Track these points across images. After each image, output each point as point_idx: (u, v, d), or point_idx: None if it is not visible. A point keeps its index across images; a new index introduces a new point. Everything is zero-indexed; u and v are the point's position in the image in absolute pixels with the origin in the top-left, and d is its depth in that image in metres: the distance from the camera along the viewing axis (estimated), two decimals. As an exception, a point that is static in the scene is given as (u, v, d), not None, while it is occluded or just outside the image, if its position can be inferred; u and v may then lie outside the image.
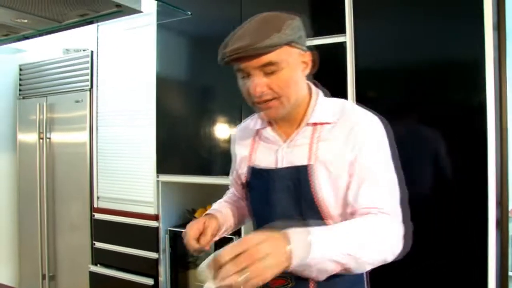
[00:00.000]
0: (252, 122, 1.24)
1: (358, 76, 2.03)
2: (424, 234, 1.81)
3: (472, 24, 1.79)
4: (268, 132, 1.18)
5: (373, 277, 1.28)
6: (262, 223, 1.20)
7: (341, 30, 2.06)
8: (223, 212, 1.34)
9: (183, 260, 2.76)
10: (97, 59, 3.02)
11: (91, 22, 1.57)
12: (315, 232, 0.85)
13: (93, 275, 2.98)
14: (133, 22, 2.77)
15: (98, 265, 3.00)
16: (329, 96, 1.20)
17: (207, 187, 2.84)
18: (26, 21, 1.44)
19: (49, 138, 3.33)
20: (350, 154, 1.06)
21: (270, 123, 1.20)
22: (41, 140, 3.36)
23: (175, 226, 2.73)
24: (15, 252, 3.64)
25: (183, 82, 2.64)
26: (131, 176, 2.84)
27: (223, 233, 1.34)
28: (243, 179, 1.24)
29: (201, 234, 1.21)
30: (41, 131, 3.36)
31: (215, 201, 2.89)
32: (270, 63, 1.00)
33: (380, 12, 2.01)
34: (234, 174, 1.33)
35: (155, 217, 2.70)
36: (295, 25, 1.04)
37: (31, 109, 3.43)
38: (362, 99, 2.01)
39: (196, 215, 2.71)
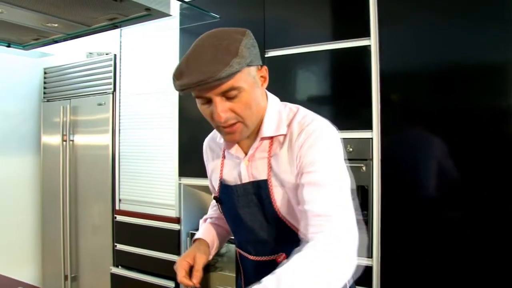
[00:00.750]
0: (219, 135, 1.19)
1: (382, 80, 2.00)
2: (456, 239, 1.78)
3: (500, 27, 1.76)
4: (228, 146, 1.18)
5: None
6: (235, 235, 1.26)
7: (366, 34, 2.04)
8: (210, 236, 1.34)
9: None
10: (120, 62, 3.05)
11: (118, 26, 1.59)
12: None
13: (114, 277, 3.01)
14: (157, 26, 2.80)
15: (120, 266, 3.03)
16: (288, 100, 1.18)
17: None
18: (56, 25, 1.46)
19: (72, 141, 3.38)
20: (296, 165, 1.04)
21: None
22: (64, 142, 3.41)
23: (197, 229, 2.73)
24: (38, 252, 3.70)
25: (206, 86, 2.64)
26: (153, 179, 2.86)
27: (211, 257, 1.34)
28: (215, 193, 1.25)
29: (192, 266, 1.21)
30: (64, 133, 3.41)
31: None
32: (231, 89, 0.97)
33: (404, 15, 1.99)
34: (210, 184, 1.34)
35: (177, 220, 2.71)
36: (249, 43, 1.00)
37: (55, 112, 3.48)
38: (386, 103, 1.99)
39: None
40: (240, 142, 1.15)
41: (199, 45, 0.99)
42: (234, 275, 2.48)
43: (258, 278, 0.89)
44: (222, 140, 1.18)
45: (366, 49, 2.04)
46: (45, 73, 3.63)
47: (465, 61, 1.85)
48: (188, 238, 2.68)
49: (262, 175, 1.10)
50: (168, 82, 2.72)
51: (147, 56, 2.89)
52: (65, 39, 1.70)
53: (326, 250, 0.91)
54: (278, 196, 1.07)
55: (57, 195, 3.44)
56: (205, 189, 2.79)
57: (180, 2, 1.85)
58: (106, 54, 3.23)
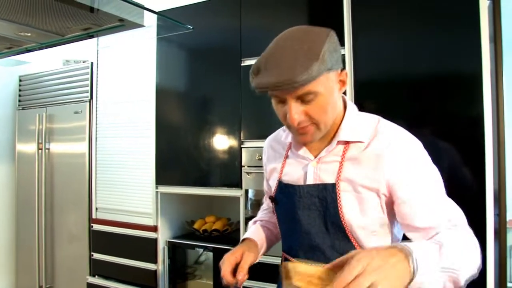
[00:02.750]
0: (284, 134, 1.22)
1: (357, 88, 2.05)
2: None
3: (469, 37, 1.82)
4: (297, 146, 1.17)
5: None
6: (287, 238, 1.22)
7: (340, 43, 2.08)
8: (259, 237, 1.32)
9: (182, 272, 2.75)
10: (97, 70, 3.03)
11: (92, 36, 1.59)
12: (421, 256, 0.80)
13: (90, 286, 2.97)
14: (134, 34, 2.80)
15: (96, 276, 2.99)
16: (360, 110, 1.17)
17: (206, 198, 2.85)
18: (29, 34, 1.46)
19: (48, 149, 3.33)
20: (384, 178, 1.03)
21: None
22: (40, 151, 3.36)
23: (174, 238, 2.73)
24: (12, 262, 3.61)
25: (183, 94, 2.66)
26: (130, 187, 2.84)
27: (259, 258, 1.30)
28: (272, 192, 1.23)
29: (238, 264, 1.17)
30: (40, 141, 3.36)
31: (213, 212, 2.90)
32: (308, 93, 0.97)
33: (378, 24, 2.03)
34: (265, 185, 1.35)
35: (154, 228, 2.70)
36: (331, 47, 0.97)
37: (31, 120, 3.44)
38: (360, 111, 2.03)
39: (195, 226, 2.71)
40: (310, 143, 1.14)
41: (281, 45, 0.99)
42: (212, 283, 2.49)
43: None
44: (288, 140, 1.19)
45: (340, 58, 2.09)
46: (20, 80, 3.58)
47: (438, 70, 1.90)
48: (165, 247, 2.67)
49: (330, 179, 1.08)
50: (145, 91, 2.73)
51: (124, 64, 2.89)
52: (39, 48, 1.69)
53: (469, 234, 0.97)
54: (345, 201, 1.06)
55: (32, 204, 3.38)
56: (183, 197, 2.80)
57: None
58: (83, 62, 3.21)
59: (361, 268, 0.71)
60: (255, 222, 1.41)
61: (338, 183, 1.07)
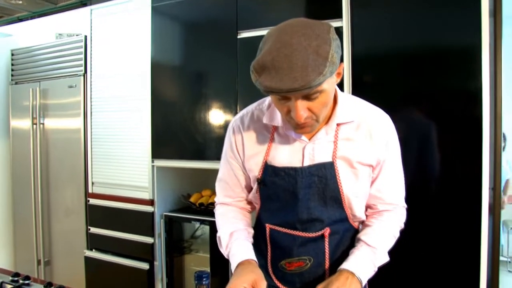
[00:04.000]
0: (266, 116, 1.21)
1: (354, 62, 2.03)
2: (418, 220, 1.83)
3: (469, 10, 1.79)
4: (290, 130, 1.17)
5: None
6: (278, 214, 1.24)
7: (338, 15, 2.05)
8: (254, 256, 1.21)
9: (178, 245, 2.77)
10: (91, 44, 2.98)
11: (85, 4, 1.55)
12: (361, 270, 1.12)
13: (88, 260, 2.99)
14: (128, 6, 2.75)
15: (93, 250, 3.01)
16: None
17: (202, 172, 2.85)
18: (20, 2, 1.42)
19: (43, 124, 3.31)
20: (376, 154, 1.18)
21: None
22: (34, 126, 3.34)
23: (171, 211, 2.74)
24: (10, 237, 3.63)
25: (178, 67, 2.62)
26: (126, 162, 2.83)
27: None
28: (257, 174, 1.23)
29: None
30: (34, 116, 3.33)
31: (210, 186, 2.89)
32: (315, 92, 0.99)
33: (378, -2, 2.00)
34: (240, 167, 1.30)
35: (150, 202, 2.71)
36: (337, 45, 0.98)
37: (24, 95, 3.39)
38: (358, 85, 2.02)
39: (191, 199, 2.72)
40: None
41: (287, 41, 0.95)
42: (209, 255, 2.51)
43: (300, 250, 1.22)
44: (274, 123, 1.19)
45: (338, 31, 2.04)
46: (12, 54, 3.50)
47: (436, 43, 1.88)
48: (162, 220, 2.68)
49: (326, 158, 1.16)
50: (140, 64, 2.69)
51: (119, 37, 2.83)
52: (31, 17, 1.65)
53: (397, 220, 1.27)
54: (343, 177, 1.16)
55: (28, 180, 3.37)
56: (179, 170, 2.79)
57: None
58: (76, 35, 3.14)
59: None
60: (231, 234, 1.26)
61: (335, 160, 1.16)
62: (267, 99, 1.26)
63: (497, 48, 1.99)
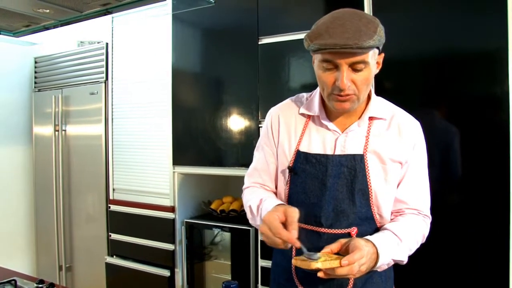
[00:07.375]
0: (302, 107, 1.29)
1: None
2: (445, 229, 1.79)
3: (495, 12, 1.75)
4: (326, 120, 1.25)
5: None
6: (307, 207, 1.22)
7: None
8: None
9: (199, 252, 2.77)
10: (112, 51, 3.01)
11: (110, 12, 1.56)
12: (383, 247, 1.09)
13: (109, 266, 3.01)
14: (148, 13, 2.77)
15: (114, 256, 3.02)
16: None
17: (223, 178, 2.85)
18: (48, 11, 1.44)
19: (65, 130, 3.35)
20: (405, 153, 1.21)
21: (326, 112, 1.26)
22: (56, 133, 3.38)
23: (191, 218, 2.73)
24: (32, 243, 3.68)
25: (199, 74, 2.63)
26: (147, 168, 2.85)
27: None
28: (289, 162, 1.27)
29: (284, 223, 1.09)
30: (56, 123, 3.38)
31: (230, 193, 2.88)
32: (361, 61, 1.07)
33: (399, 2, 1.98)
34: (272, 155, 1.33)
35: (171, 209, 2.71)
36: (382, 29, 1.10)
37: (47, 102, 3.45)
38: (380, 90, 1.99)
39: (212, 206, 2.71)
40: (335, 117, 1.25)
41: (339, 17, 1.08)
42: (230, 263, 2.49)
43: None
44: (310, 113, 1.27)
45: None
46: (35, 62, 3.58)
47: (460, 48, 1.85)
48: (183, 227, 2.68)
49: (357, 150, 1.20)
50: (161, 71, 2.70)
51: (140, 44, 2.86)
52: (56, 26, 1.68)
53: (421, 226, 1.24)
54: (372, 171, 1.19)
55: (50, 186, 3.41)
56: (200, 177, 2.79)
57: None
58: (98, 42, 3.18)
59: (359, 256, 1.02)
60: (261, 200, 1.26)
61: (365, 154, 1.19)
62: (305, 94, 1.34)
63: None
